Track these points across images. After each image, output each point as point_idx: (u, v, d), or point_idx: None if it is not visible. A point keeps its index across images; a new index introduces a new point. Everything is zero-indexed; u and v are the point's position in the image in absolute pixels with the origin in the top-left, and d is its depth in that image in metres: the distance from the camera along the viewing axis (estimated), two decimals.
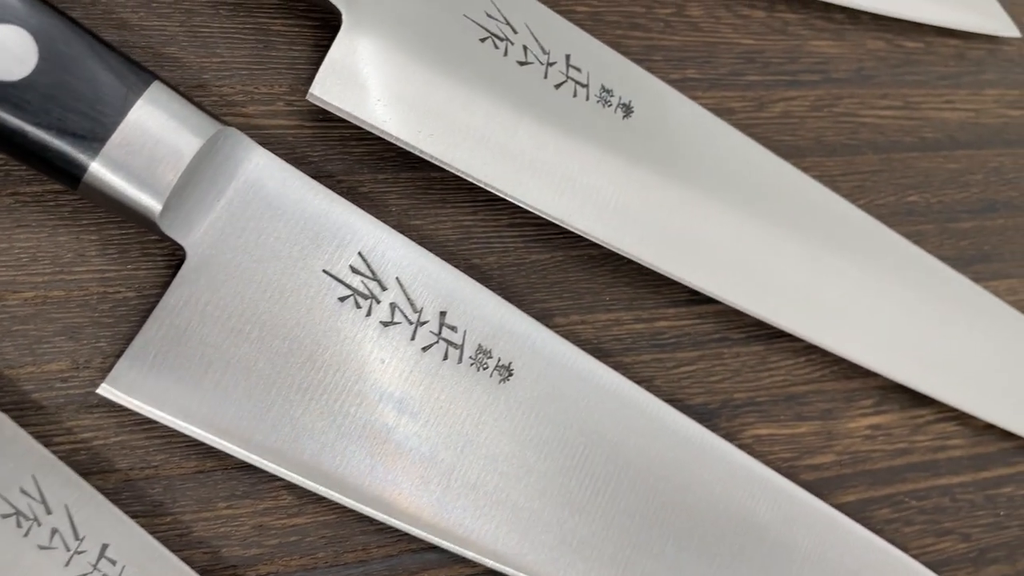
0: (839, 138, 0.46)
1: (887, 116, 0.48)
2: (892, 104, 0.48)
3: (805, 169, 0.45)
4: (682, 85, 0.43)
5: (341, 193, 0.37)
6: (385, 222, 0.37)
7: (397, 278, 0.35)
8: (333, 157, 0.37)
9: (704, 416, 0.41)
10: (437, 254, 0.38)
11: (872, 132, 0.47)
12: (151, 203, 0.32)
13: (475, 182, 0.37)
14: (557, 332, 0.39)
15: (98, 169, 0.31)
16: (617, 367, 0.40)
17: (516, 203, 0.37)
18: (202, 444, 0.32)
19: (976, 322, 0.46)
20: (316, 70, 0.35)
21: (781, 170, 0.43)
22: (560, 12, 0.41)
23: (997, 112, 0.51)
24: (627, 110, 0.40)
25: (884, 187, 0.47)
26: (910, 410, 0.45)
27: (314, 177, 0.36)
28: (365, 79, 0.36)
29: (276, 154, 0.36)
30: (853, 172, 0.46)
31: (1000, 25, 0.51)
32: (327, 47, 0.35)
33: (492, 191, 0.37)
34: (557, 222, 0.38)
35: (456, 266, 0.38)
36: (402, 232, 0.37)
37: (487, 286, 0.38)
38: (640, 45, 0.43)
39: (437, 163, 0.36)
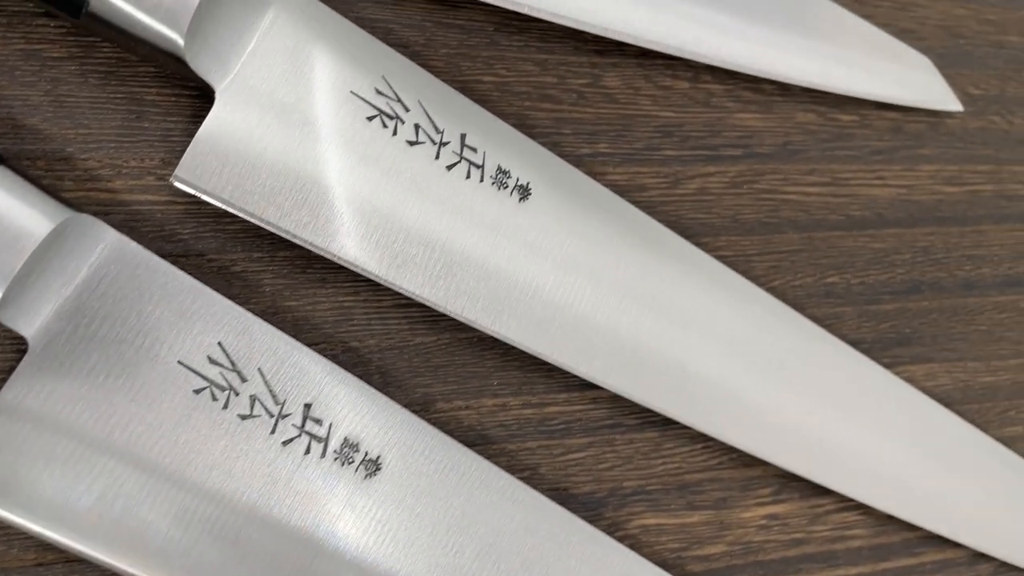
0: (758, 216, 0.44)
1: (812, 193, 0.45)
2: (819, 180, 0.45)
3: (719, 248, 0.43)
4: (592, 160, 0.41)
5: (212, 273, 0.35)
6: (259, 303, 0.35)
7: (259, 369, 0.33)
8: (205, 234, 0.35)
9: (590, 505, 0.39)
10: (313, 336, 0.36)
11: (794, 210, 0.44)
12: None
13: (352, 268, 0.34)
14: (439, 417, 0.37)
15: None
16: (500, 454, 0.38)
17: (396, 289, 0.35)
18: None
19: (883, 409, 0.43)
20: (190, 142, 0.33)
21: (685, 253, 0.40)
22: (465, 83, 0.39)
23: (932, 188, 0.48)
24: (524, 192, 0.38)
25: (803, 267, 0.44)
26: (810, 499, 0.42)
27: (183, 255, 0.34)
28: (235, 162, 0.33)
29: (144, 231, 0.34)
30: (771, 251, 0.44)
31: (942, 99, 0.48)
32: (204, 119, 0.33)
33: (370, 277, 0.35)
34: (438, 308, 0.36)
35: (333, 349, 0.36)
36: (277, 313, 0.35)
37: (365, 370, 0.36)
38: (549, 118, 0.40)
39: (311, 248, 0.34)
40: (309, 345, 0.35)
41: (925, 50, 0.49)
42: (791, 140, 0.45)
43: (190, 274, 0.34)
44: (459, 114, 0.37)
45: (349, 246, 0.35)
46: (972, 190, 0.49)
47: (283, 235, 0.34)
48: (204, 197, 0.33)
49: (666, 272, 0.40)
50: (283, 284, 0.36)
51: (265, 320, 0.35)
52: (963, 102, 0.49)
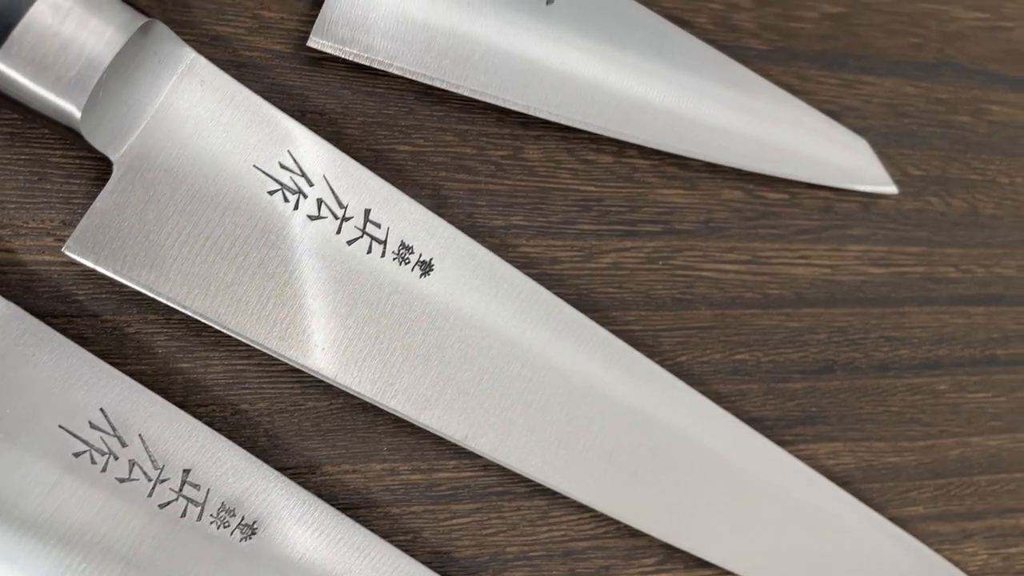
0: (671, 292, 0.43)
1: (730, 270, 0.44)
2: (739, 258, 0.44)
3: (628, 323, 0.42)
4: (505, 233, 0.40)
5: (106, 333, 0.35)
6: (151, 364, 0.35)
7: (140, 434, 0.33)
8: (101, 296, 0.34)
9: (471, 570, 0.39)
10: (204, 398, 0.36)
11: (709, 287, 0.43)
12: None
13: (243, 339, 0.34)
14: (324, 480, 0.37)
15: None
16: (384, 518, 0.38)
17: (285, 361, 0.35)
18: None
19: (771, 486, 0.42)
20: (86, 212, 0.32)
21: (586, 328, 0.39)
22: (379, 152, 0.38)
23: (857, 269, 0.46)
24: (426, 267, 0.37)
25: (712, 344, 0.43)
26: (695, 570, 0.42)
27: (78, 316, 0.34)
28: (128, 235, 0.33)
29: (40, 291, 0.34)
30: (681, 327, 0.43)
31: (876, 181, 0.46)
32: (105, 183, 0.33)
33: (261, 349, 0.34)
34: (328, 380, 0.35)
35: (223, 412, 0.36)
36: (168, 375, 0.35)
37: (253, 432, 0.36)
38: (464, 189, 0.40)
39: (201, 319, 0.34)
40: (198, 407, 0.36)
41: (867, 129, 0.47)
42: (714, 217, 0.44)
43: (84, 334, 0.34)
44: (365, 189, 0.36)
45: (241, 318, 0.34)
46: (900, 272, 0.48)
47: (174, 306, 0.33)
48: (96, 268, 0.32)
49: (563, 348, 0.39)
50: (176, 347, 0.35)
51: (157, 380, 0.35)
52: (901, 183, 0.48)
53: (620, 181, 0.42)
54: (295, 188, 0.35)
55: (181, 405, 0.35)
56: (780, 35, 0.46)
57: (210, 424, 0.35)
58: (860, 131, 0.47)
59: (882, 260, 0.47)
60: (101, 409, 0.33)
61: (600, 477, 0.39)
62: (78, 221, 0.33)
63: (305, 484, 0.36)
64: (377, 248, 0.36)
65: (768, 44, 0.45)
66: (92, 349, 0.34)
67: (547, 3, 0.40)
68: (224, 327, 0.34)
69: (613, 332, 0.41)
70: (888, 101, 0.48)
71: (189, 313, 0.33)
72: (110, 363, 0.34)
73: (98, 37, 0.32)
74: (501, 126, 0.40)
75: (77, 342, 0.33)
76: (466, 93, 0.38)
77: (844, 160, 0.45)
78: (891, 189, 0.47)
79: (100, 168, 0.35)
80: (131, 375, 0.34)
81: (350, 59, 0.37)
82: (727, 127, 0.43)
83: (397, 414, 0.36)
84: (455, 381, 0.37)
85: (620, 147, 0.42)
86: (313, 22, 0.37)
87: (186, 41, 0.36)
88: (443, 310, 0.37)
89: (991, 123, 0.50)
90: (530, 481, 0.39)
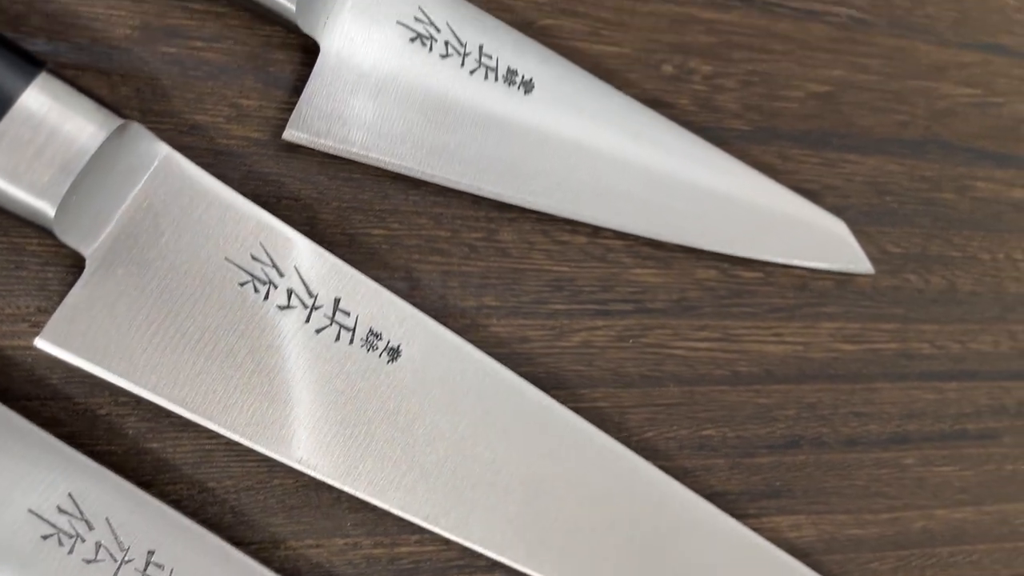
0: (640, 369, 0.43)
1: (700, 348, 0.44)
2: (710, 336, 0.44)
3: (596, 400, 0.42)
4: (476, 313, 0.40)
5: (78, 415, 0.35)
6: (121, 444, 0.36)
7: (107, 518, 0.34)
8: (73, 380, 0.35)
9: None
10: (172, 476, 0.36)
11: (679, 364, 0.44)
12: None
13: (212, 428, 0.35)
14: (287, 555, 0.37)
15: None
16: None
17: (255, 449, 0.35)
18: None
19: (730, 563, 0.43)
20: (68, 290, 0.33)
21: (547, 408, 0.40)
22: (353, 236, 0.38)
23: (829, 346, 0.46)
24: (394, 354, 0.37)
25: (679, 420, 0.43)
26: None
27: (51, 398, 0.35)
28: (100, 330, 0.33)
29: (14, 375, 0.35)
30: (648, 404, 0.43)
31: (852, 262, 0.46)
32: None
33: (230, 437, 0.35)
34: (291, 465, 0.36)
35: (190, 490, 0.37)
36: (138, 455, 0.36)
37: (219, 510, 0.37)
38: (437, 271, 0.40)
39: (169, 408, 0.34)
40: (167, 485, 0.36)
41: (847, 207, 0.47)
42: (687, 296, 0.44)
43: (57, 416, 0.35)
44: (335, 278, 0.37)
45: (208, 407, 0.35)
46: (872, 348, 0.47)
47: (143, 395, 0.34)
48: (68, 360, 0.33)
49: (526, 429, 0.39)
50: (146, 427, 0.36)
51: (128, 459, 0.36)
52: (879, 260, 0.47)
53: (594, 261, 0.42)
54: (266, 279, 0.36)
55: (150, 483, 0.36)
56: (763, 115, 0.45)
57: (178, 501, 0.36)
58: (840, 209, 0.47)
59: (855, 337, 0.47)
60: (70, 494, 0.34)
61: (560, 556, 0.40)
62: (54, 308, 0.33)
63: (269, 559, 0.37)
64: (345, 335, 0.37)
65: (750, 124, 0.45)
66: (64, 431, 0.35)
67: (525, 93, 0.39)
68: (192, 415, 0.35)
69: (580, 409, 0.42)
70: (871, 179, 0.48)
71: (158, 402, 0.34)
72: (82, 444, 0.34)
73: (72, 142, 0.32)
74: (476, 209, 0.40)
75: (50, 424, 0.34)
76: (440, 183, 0.38)
77: (820, 241, 0.45)
78: (867, 269, 0.46)
79: (76, 255, 0.35)
80: (102, 455, 0.35)
81: (326, 151, 0.37)
82: (702, 211, 0.43)
83: (360, 497, 0.37)
84: (419, 464, 0.38)
85: (595, 228, 0.42)
86: (291, 109, 0.37)
87: (164, 130, 0.36)
88: (409, 395, 0.37)
89: (975, 200, 0.50)
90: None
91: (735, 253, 0.44)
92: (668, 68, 0.43)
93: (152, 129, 0.36)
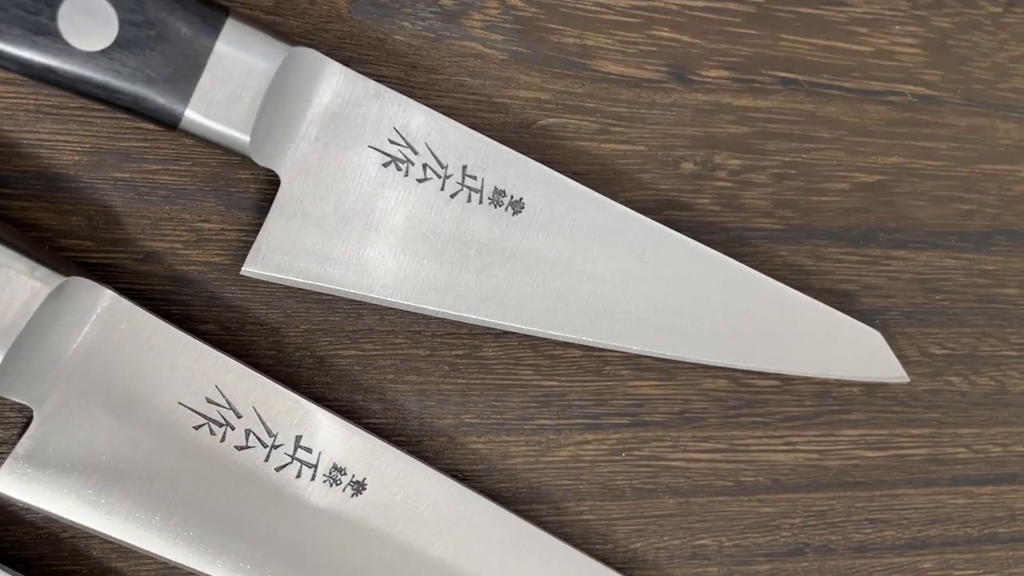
0: (632, 482, 0.39)
1: (701, 459, 0.40)
2: (715, 447, 0.40)
3: (581, 513, 0.39)
4: (455, 431, 0.37)
5: (40, 538, 0.34)
6: (84, 566, 0.35)
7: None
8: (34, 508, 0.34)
9: None
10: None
11: (676, 476, 0.40)
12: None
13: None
14: None
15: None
16: None
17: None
18: None
19: None
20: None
21: (519, 531, 0.36)
22: (323, 358, 0.35)
23: (850, 454, 0.41)
24: (358, 488, 0.35)
25: (672, 531, 0.40)
26: None
27: (13, 525, 0.34)
28: (53, 475, 0.32)
29: None
30: (638, 516, 0.39)
31: (885, 373, 0.40)
32: None
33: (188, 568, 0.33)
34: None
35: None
36: (103, 574, 0.35)
37: None
38: (413, 390, 0.36)
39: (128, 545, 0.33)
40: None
41: (888, 309, 0.40)
42: (690, 408, 0.39)
43: (22, 540, 0.34)
44: (294, 416, 0.34)
45: (173, 548, 0.33)
46: (899, 455, 0.42)
47: (100, 534, 0.32)
48: (27, 502, 0.32)
49: (493, 557, 0.36)
50: (110, 548, 0.35)
51: None
52: (919, 363, 0.41)
53: (588, 375, 0.38)
54: (222, 421, 0.33)
55: None
56: (797, 212, 0.39)
57: None
58: (880, 311, 0.40)
59: (881, 443, 0.42)
60: None
61: None
62: (8, 452, 0.32)
63: None
64: (307, 472, 0.34)
65: (782, 222, 0.38)
66: (29, 553, 0.34)
67: (514, 214, 0.34)
68: (149, 553, 0.33)
69: (564, 522, 0.39)
70: (919, 276, 0.41)
71: (118, 541, 0.32)
72: (48, 566, 0.34)
73: (8, 306, 0.29)
74: (458, 326, 0.36)
75: (15, 548, 0.33)
76: (417, 312, 0.34)
77: (849, 355, 0.39)
78: (901, 377, 0.40)
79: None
80: (65, 575, 0.34)
81: (287, 285, 0.33)
82: (712, 328, 0.37)
83: None
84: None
85: None
86: (256, 231, 0.33)
87: (119, 259, 0.33)
88: (373, 529, 0.35)
89: None
90: None
91: (747, 367, 0.38)
92: (689, 165, 0.37)
93: (105, 258, 0.33)
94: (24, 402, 0.31)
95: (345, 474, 0.35)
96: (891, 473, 0.42)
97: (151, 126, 0.32)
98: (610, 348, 0.36)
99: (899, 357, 0.40)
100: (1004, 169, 0.40)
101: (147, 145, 0.32)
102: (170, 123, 0.30)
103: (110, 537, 0.32)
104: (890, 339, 0.40)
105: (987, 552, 0.44)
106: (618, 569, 0.38)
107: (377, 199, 0.33)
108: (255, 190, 0.33)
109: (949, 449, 0.43)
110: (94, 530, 0.32)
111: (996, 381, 0.43)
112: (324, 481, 0.34)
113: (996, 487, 0.43)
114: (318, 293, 0.34)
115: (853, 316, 0.39)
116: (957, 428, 0.42)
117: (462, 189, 0.33)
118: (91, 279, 0.30)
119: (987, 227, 0.41)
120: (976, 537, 0.44)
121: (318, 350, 0.35)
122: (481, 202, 0.34)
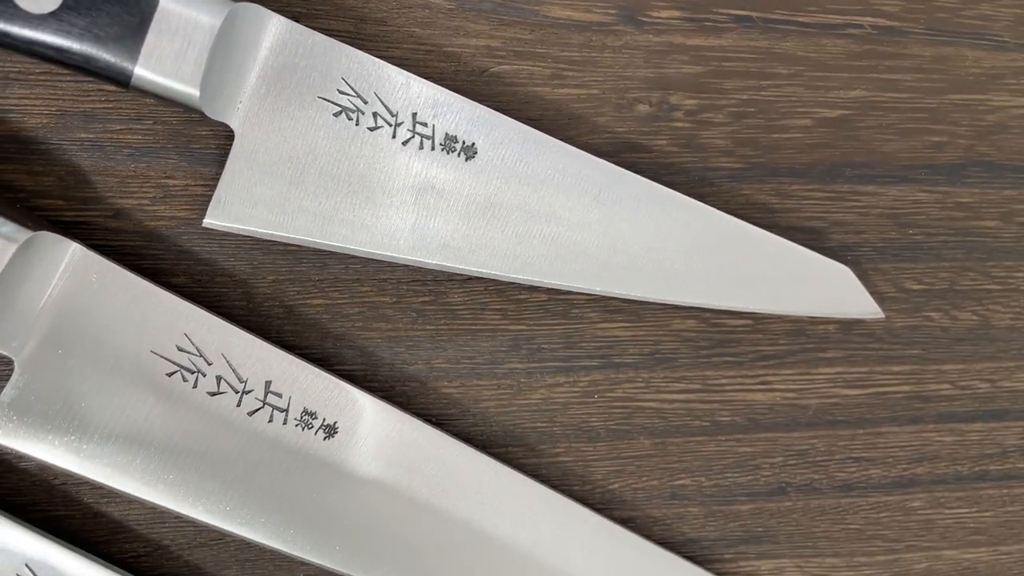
0: (607, 423, 0.39)
1: (675, 400, 0.39)
2: (688, 387, 0.39)
3: (557, 455, 0.39)
4: (427, 375, 0.37)
5: (33, 484, 0.35)
6: (77, 511, 0.36)
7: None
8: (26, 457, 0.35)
9: None
10: (128, 536, 0.36)
11: (651, 417, 0.39)
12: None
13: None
14: None
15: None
16: None
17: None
18: None
19: None
20: None
21: (490, 470, 0.36)
22: (291, 307, 0.35)
23: (828, 392, 0.40)
24: (330, 431, 0.35)
25: (650, 471, 0.39)
26: None
27: (6, 473, 0.35)
28: (36, 423, 0.32)
29: None
30: (615, 457, 0.39)
31: (857, 309, 0.39)
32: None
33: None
34: (234, 535, 0.35)
35: (146, 548, 0.36)
36: (95, 517, 0.36)
37: (174, 565, 0.37)
38: (381, 337, 0.36)
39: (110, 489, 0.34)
40: (124, 543, 0.36)
41: (859, 245, 0.39)
42: (660, 348, 0.39)
43: (18, 486, 0.35)
44: (265, 362, 0.34)
45: (148, 489, 0.34)
46: (880, 392, 0.41)
47: (84, 477, 0.33)
48: (17, 449, 0.32)
49: (466, 495, 0.36)
50: (100, 494, 0.36)
51: (86, 523, 0.36)
52: (896, 299, 0.40)
53: (555, 318, 0.38)
54: (193, 368, 0.34)
55: (108, 542, 0.36)
56: (759, 150, 0.38)
57: (135, 559, 0.36)
58: (851, 248, 0.39)
59: (860, 381, 0.41)
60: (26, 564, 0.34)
61: None
62: None
63: None
64: (279, 416, 0.34)
65: (743, 161, 0.38)
66: (24, 500, 0.35)
67: (466, 159, 0.34)
68: (134, 496, 0.34)
69: (541, 464, 0.38)
70: (890, 211, 0.39)
71: (100, 486, 0.33)
72: (41, 511, 0.35)
73: None
74: (423, 273, 0.36)
75: (11, 496, 0.34)
76: (378, 259, 0.34)
77: (819, 291, 0.38)
78: (875, 313, 0.39)
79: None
80: (61, 519, 0.35)
81: (249, 235, 0.33)
82: (675, 269, 0.36)
83: (304, 561, 0.35)
84: (358, 536, 0.36)
85: None
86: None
87: (91, 217, 0.33)
88: (346, 470, 0.35)
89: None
90: None
91: (716, 306, 0.38)
92: (644, 107, 0.36)
93: (77, 216, 0.34)
94: (4, 352, 0.32)
95: (316, 418, 0.35)
96: (873, 411, 0.41)
97: (112, 88, 0.32)
98: (574, 290, 0.36)
99: (874, 294, 0.39)
100: (975, 99, 0.39)
101: (110, 106, 0.33)
102: (122, 81, 0.30)
103: (94, 481, 0.33)
104: (864, 276, 0.39)
105: (979, 490, 0.42)
106: (596, 510, 0.38)
107: (330, 149, 0.33)
108: (216, 146, 0.34)
109: (933, 386, 0.41)
110: (79, 475, 0.33)
111: (979, 316, 0.41)
112: (296, 425, 0.35)
113: (985, 424, 0.42)
114: (283, 244, 0.35)
115: (823, 253, 0.38)
116: (940, 364, 0.41)
117: (413, 136, 0.33)
118: (62, 235, 0.31)
119: (960, 159, 0.39)
120: (966, 475, 0.42)
121: (286, 300, 0.35)
122: (433, 148, 0.34)
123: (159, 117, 0.33)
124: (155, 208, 0.34)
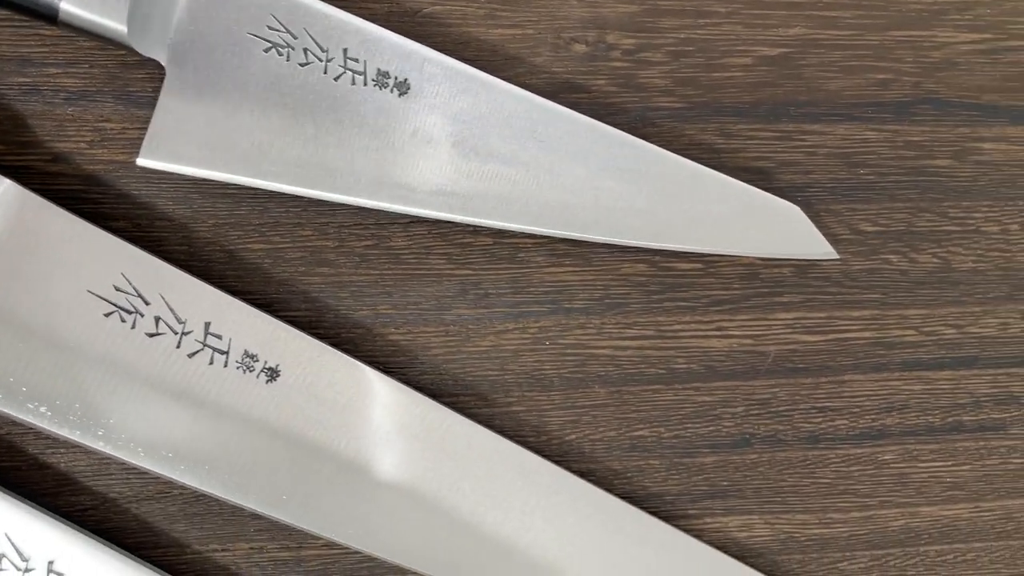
0: (560, 371, 0.37)
1: (629, 347, 0.38)
2: (642, 333, 0.38)
3: (509, 404, 0.37)
4: (373, 322, 0.36)
5: None
6: (23, 462, 0.35)
7: (5, 533, 0.33)
8: None
9: None
10: (74, 488, 0.35)
11: (604, 364, 0.38)
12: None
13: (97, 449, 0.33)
14: (192, 559, 0.36)
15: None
16: None
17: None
18: None
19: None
20: None
21: (436, 415, 0.35)
22: (232, 251, 0.35)
23: (787, 338, 0.39)
24: (272, 374, 0.34)
25: (607, 421, 0.38)
26: None
27: None
28: None
29: None
30: (570, 407, 0.38)
31: (808, 249, 0.38)
32: None
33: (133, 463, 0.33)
34: (183, 483, 0.34)
35: (93, 500, 0.35)
36: (40, 468, 0.35)
37: (123, 519, 0.35)
38: (325, 282, 0.36)
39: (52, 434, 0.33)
40: (71, 496, 0.35)
41: (808, 185, 0.38)
42: (610, 294, 0.37)
43: None
44: (203, 302, 0.33)
45: (91, 434, 0.33)
46: (841, 338, 0.39)
47: (23, 421, 0.32)
48: None
49: (411, 436, 0.35)
50: (43, 444, 0.35)
51: (31, 474, 0.35)
52: (851, 242, 0.39)
53: (502, 263, 0.37)
54: (131, 308, 0.33)
55: (54, 494, 0.35)
56: (700, 89, 0.37)
57: (82, 512, 0.35)
58: (800, 188, 0.38)
59: (819, 327, 0.39)
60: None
61: (459, 559, 0.36)
62: None
63: (176, 564, 0.35)
64: (220, 359, 0.34)
65: (684, 101, 0.37)
66: None
67: (399, 95, 0.34)
68: (77, 441, 0.33)
69: (495, 414, 0.37)
70: (839, 150, 0.38)
71: (41, 428, 0.32)
72: None
73: None
74: (364, 216, 0.35)
75: None
76: (315, 197, 0.33)
77: (768, 231, 0.37)
78: (828, 253, 0.38)
79: None
80: (6, 471, 0.34)
81: (184, 175, 0.33)
82: (617, 206, 0.36)
83: (255, 511, 0.34)
84: (308, 480, 0.34)
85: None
86: None
87: (30, 161, 0.33)
88: (291, 413, 0.34)
89: (980, 164, 0.39)
90: None
91: (662, 247, 0.37)
92: (581, 47, 0.36)
93: (17, 161, 0.33)
94: None
95: (257, 361, 0.34)
96: (835, 358, 0.39)
97: (48, 31, 0.32)
98: (514, 229, 0.35)
99: (828, 236, 0.37)
100: (919, 35, 0.38)
101: (46, 50, 0.33)
102: (50, 16, 0.30)
103: (34, 425, 0.32)
104: (816, 217, 0.38)
105: (954, 442, 0.40)
106: (554, 461, 0.36)
107: (260, 85, 0.33)
108: (152, 89, 0.33)
109: (896, 332, 0.40)
110: (21, 419, 0.32)
111: (939, 258, 0.40)
112: (237, 368, 0.34)
113: (954, 371, 0.40)
114: (221, 186, 0.34)
115: (772, 194, 0.37)
116: (902, 309, 0.39)
117: (345, 72, 0.33)
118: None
119: (907, 96, 0.38)
120: (939, 426, 0.40)
121: (227, 244, 0.35)
122: (366, 84, 0.33)
123: (95, 60, 0.33)
124: (93, 152, 0.33)
